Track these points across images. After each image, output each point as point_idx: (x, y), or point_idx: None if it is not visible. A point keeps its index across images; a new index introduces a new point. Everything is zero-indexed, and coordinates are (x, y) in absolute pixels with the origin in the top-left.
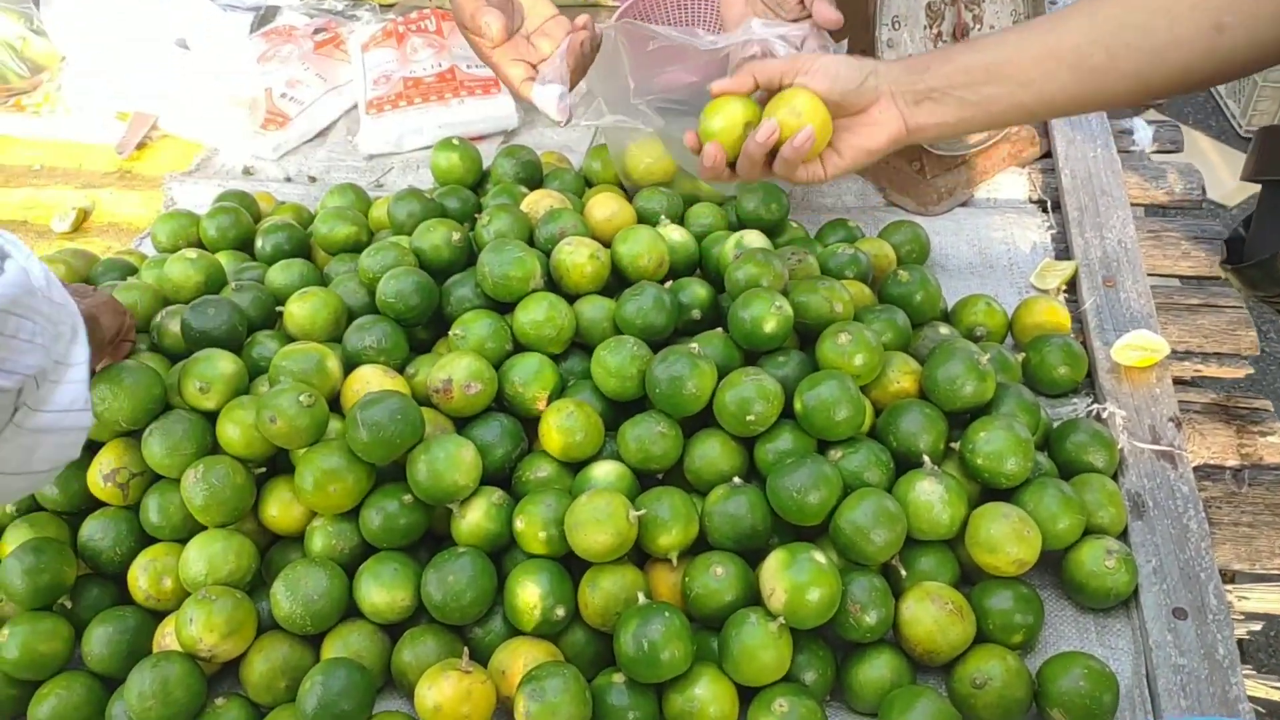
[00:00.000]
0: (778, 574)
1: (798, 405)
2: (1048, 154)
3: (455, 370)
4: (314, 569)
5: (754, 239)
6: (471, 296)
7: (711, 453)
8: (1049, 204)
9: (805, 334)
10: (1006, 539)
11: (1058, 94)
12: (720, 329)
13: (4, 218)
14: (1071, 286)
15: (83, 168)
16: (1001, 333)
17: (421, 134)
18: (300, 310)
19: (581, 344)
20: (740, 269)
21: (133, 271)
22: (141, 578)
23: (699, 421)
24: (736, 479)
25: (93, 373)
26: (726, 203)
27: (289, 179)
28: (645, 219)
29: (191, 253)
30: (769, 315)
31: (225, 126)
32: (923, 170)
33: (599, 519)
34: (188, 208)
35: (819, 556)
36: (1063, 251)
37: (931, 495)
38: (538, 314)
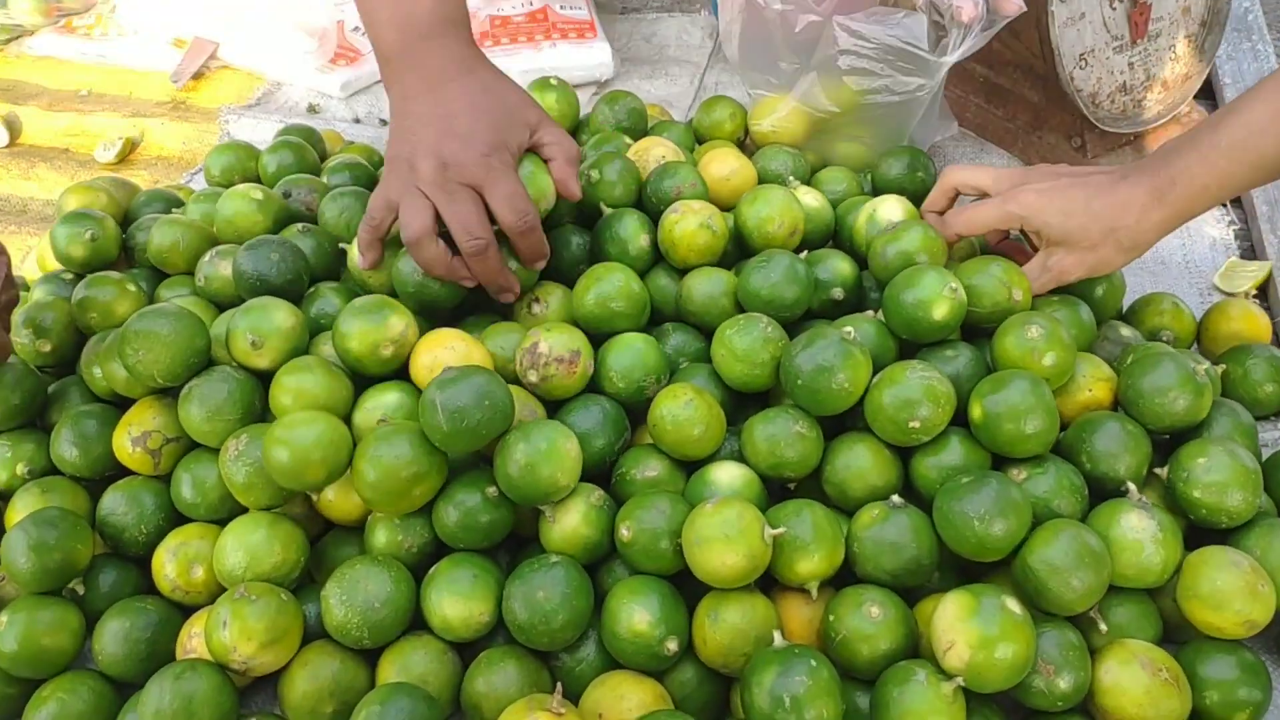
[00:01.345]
0: (959, 622)
1: (975, 411)
2: None
3: (554, 340)
4: (376, 570)
5: (900, 209)
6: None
7: (859, 462)
8: None
9: (970, 326)
10: (1236, 593)
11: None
12: (870, 313)
13: (46, 144)
14: (1262, 291)
15: (133, 96)
16: (1188, 339)
17: None
18: None
19: (694, 323)
20: (894, 243)
21: (178, 204)
22: (169, 564)
23: (839, 422)
24: (895, 497)
25: None
26: (862, 169)
27: (358, 120)
28: (768, 180)
29: (256, 190)
30: (940, 298)
31: (290, 59)
32: (1083, 148)
33: (728, 535)
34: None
35: (1012, 604)
36: (1248, 250)
37: (1142, 533)
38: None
